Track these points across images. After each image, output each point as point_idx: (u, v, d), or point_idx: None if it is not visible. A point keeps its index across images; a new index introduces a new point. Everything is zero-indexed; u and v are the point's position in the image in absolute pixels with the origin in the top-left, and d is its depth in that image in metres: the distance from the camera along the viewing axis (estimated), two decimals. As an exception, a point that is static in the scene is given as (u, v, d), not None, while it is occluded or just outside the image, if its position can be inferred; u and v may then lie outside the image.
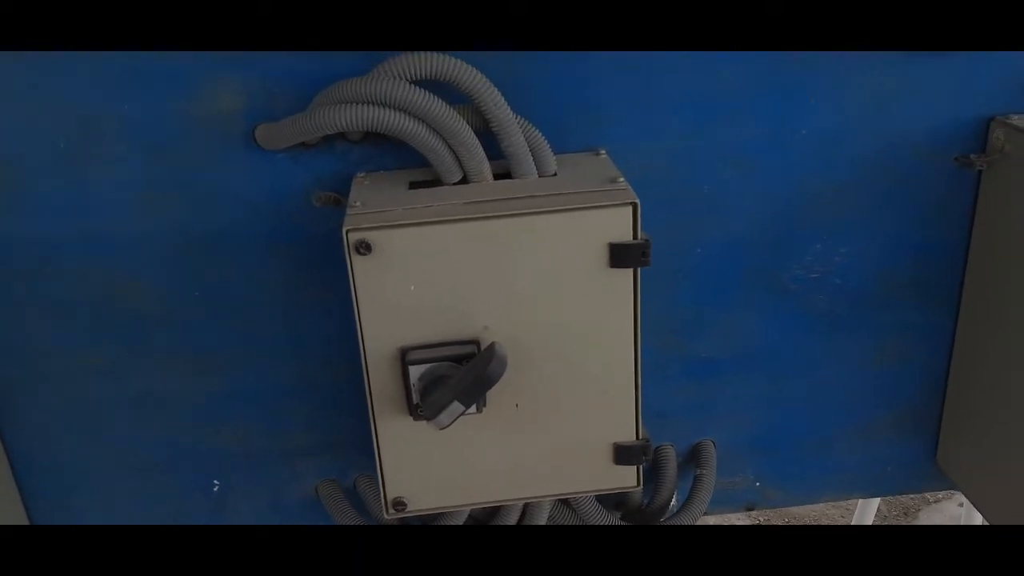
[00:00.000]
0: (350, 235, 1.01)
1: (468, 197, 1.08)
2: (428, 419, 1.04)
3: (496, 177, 1.14)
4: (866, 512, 2.46)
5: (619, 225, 1.05)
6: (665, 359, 1.38)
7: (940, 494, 3.66)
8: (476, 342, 1.08)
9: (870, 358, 1.42)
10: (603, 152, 1.21)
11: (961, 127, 1.26)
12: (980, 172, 1.28)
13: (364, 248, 1.01)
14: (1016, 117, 1.22)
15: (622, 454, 1.16)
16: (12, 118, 1.13)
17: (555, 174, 1.15)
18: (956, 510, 3.37)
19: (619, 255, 1.06)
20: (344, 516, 1.35)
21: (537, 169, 1.13)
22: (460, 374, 1.04)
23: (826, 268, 1.34)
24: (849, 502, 3.36)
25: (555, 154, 1.16)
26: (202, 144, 1.17)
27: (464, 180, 1.13)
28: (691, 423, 1.44)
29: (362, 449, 1.34)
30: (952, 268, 1.36)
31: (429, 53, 1.04)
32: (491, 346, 1.04)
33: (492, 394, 1.09)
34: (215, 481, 1.39)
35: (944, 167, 1.28)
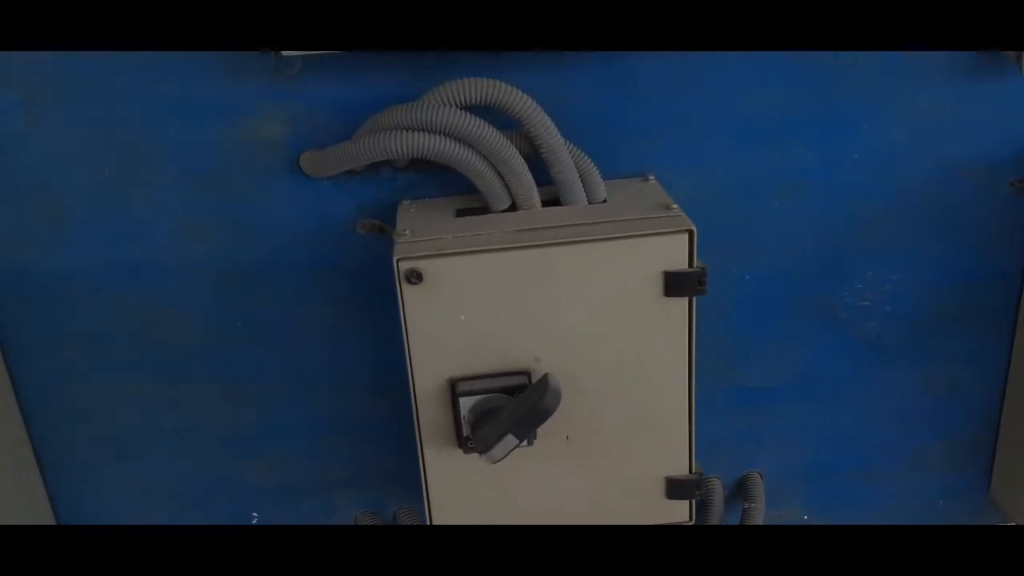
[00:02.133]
0: (401, 264, 0.99)
1: (518, 225, 1.05)
2: (480, 452, 1.01)
3: (544, 204, 1.12)
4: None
5: (675, 253, 1.02)
6: (712, 388, 1.35)
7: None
8: (527, 373, 1.05)
9: (921, 387, 1.38)
10: (652, 178, 1.19)
11: (1017, 151, 1.24)
12: (1036, 197, 1.25)
13: (415, 277, 0.99)
14: (1074, 141, 1.20)
15: (674, 488, 1.12)
16: (56, 146, 1.12)
17: (605, 200, 1.13)
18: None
19: (674, 284, 1.03)
20: (384, 550, 1.31)
21: (587, 195, 1.11)
22: (513, 406, 1.02)
23: (877, 296, 1.31)
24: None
25: (604, 180, 1.14)
26: (246, 172, 1.15)
27: (512, 207, 1.11)
28: (738, 454, 1.40)
29: (402, 482, 1.32)
30: (1007, 295, 1.33)
31: (478, 79, 1.03)
32: (544, 377, 1.01)
33: (543, 426, 1.06)
34: (254, 513, 1.36)
35: (1000, 192, 1.26)
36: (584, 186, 1.11)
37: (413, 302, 1.01)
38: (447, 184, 1.17)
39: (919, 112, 1.20)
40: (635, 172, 1.21)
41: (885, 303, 1.32)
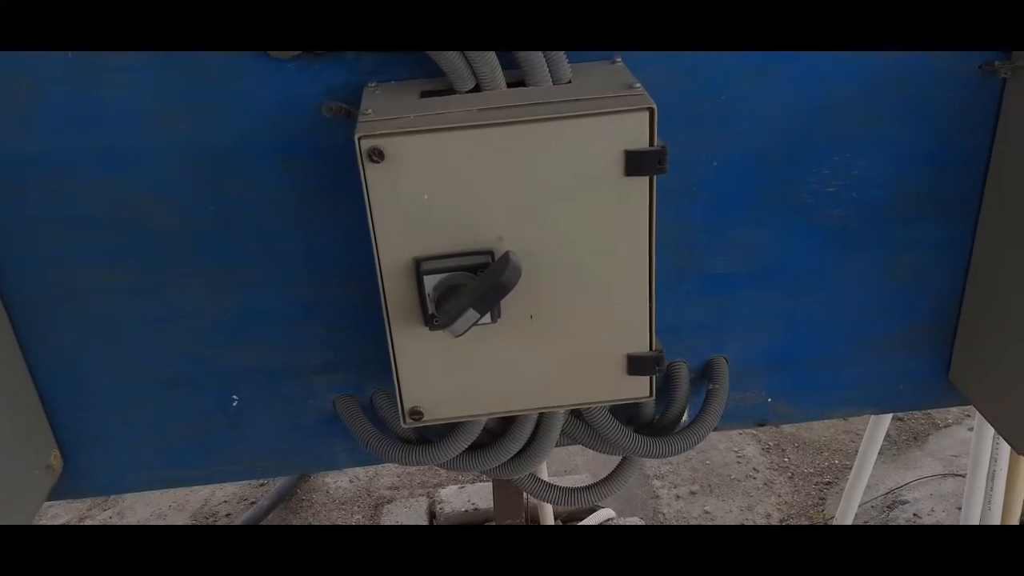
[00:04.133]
0: (362, 142, 1.00)
1: (481, 104, 1.06)
2: (443, 327, 1.05)
3: (510, 85, 1.12)
4: (876, 433, 2.48)
5: (635, 131, 1.03)
6: (679, 274, 1.38)
7: (950, 419, 3.70)
8: (490, 252, 1.08)
9: (885, 274, 1.41)
10: (618, 60, 1.19)
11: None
12: (1004, 80, 1.24)
13: (377, 155, 1.00)
14: (1045, 21, 1.18)
15: (635, 364, 1.16)
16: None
17: (570, 81, 1.13)
18: (966, 434, 3.40)
19: (635, 162, 1.04)
20: (361, 429, 1.37)
21: (551, 76, 1.11)
22: (475, 283, 1.05)
23: (843, 181, 1.33)
24: (860, 424, 3.40)
25: (570, 62, 1.14)
26: (211, 55, 1.15)
27: (477, 88, 1.11)
28: (704, 339, 1.44)
29: (378, 364, 1.36)
30: (971, 181, 1.34)
31: (441, -46, 1.01)
32: (505, 255, 1.04)
33: (506, 304, 1.09)
34: (234, 397, 1.41)
35: (968, 75, 1.25)
36: (549, 67, 1.11)
37: (376, 181, 1.03)
38: (414, 66, 1.17)
39: (889, -8, 1.19)
40: (603, 55, 1.20)
41: (851, 189, 1.33)
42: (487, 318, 1.08)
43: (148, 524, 3.44)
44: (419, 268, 1.07)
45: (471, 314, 1.02)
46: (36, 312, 1.31)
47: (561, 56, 1.12)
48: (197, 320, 1.34)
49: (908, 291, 1.42)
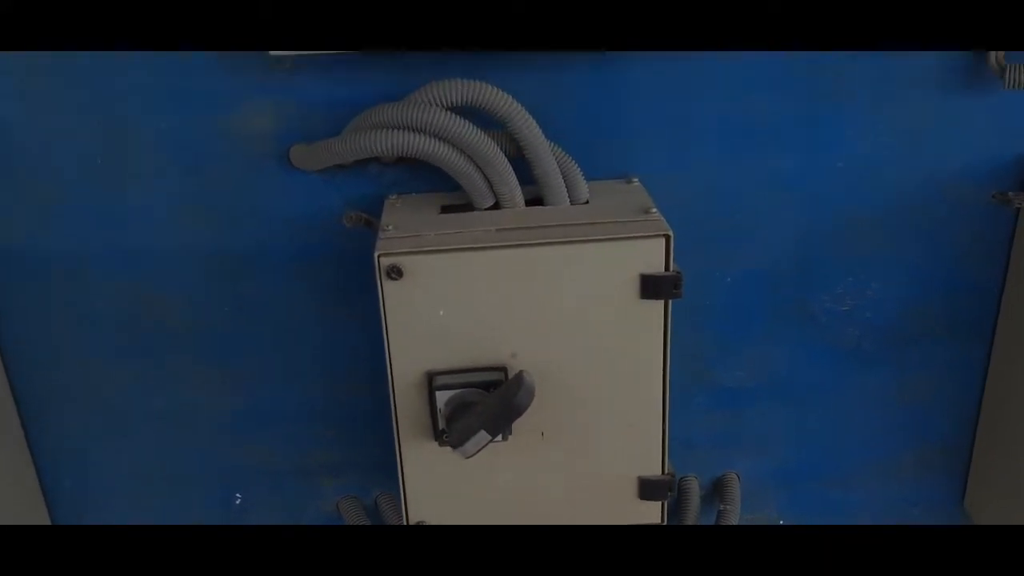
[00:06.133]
0: (382, 260, 1.01)
1: (499, 224, 1.07)
2: (453, 447, 1.03)
3: (528, 202, 1.14)
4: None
5: (651, 256, 1.04)
6: (692, 388, 1.37)
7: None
8: (504, 368, 1.07)
9: (898, 395, 1.40)
10: (635, 180, 1.21)
11: (999, 164, 1.24)
12: (1018, 210, 1.26)
13: (395, 273, 1.01)
14: (1057, 156, 1.20)
15: (647, 489, 1.15)
16: (53, 132, 1.14)
17: (587, 202, 1.14)
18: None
19: (650, 287, 1.05)
20: (364, 536, 1.34)
21: (569, 196, 1.13)
22: (487, 402, 1.04)
23: (857, 301, 1.33)
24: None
25: (588, 181, 1.16)
26: (237, 162, 1.18)
27: (496, 205, 1.13)
28: (716, 454, 1.42)
29: (383, 468, 1.34)
30: (986, 305, 1.34)
31: (464, 81, 1.04)
32: (519, 375, 1.03)
33: (518, 422, 1.08)
34: (237, 495, 1.39)
35: (981, 204, 1.26)
36: (567, 187, 1.13)
37: (393, 297, 1.03)
38: (434, 179, 1.19)
39: (903, 123, 1.21)
40: (620, 173, 1.22)
41: (865, 309, 1.33)
42: (498, 436, 1.06)
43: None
44: (431, 383, 1.07)
45: (482, 436, 1.01)
46: (44, 403, 1.31)
47: (579, 176, 1.13)
48: (205, 417, 1.33)
49: (921, 413, 1.41)
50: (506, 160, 1.09)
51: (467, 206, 1.14)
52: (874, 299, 1.33)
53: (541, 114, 1.11)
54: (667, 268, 1.05)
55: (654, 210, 1.09)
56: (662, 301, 1.06)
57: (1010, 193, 1.24)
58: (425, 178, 1.19)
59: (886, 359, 1.37)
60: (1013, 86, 1.11)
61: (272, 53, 0.95)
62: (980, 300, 1.33)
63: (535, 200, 1.14)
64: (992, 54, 1.13)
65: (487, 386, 1.07)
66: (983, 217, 1.28)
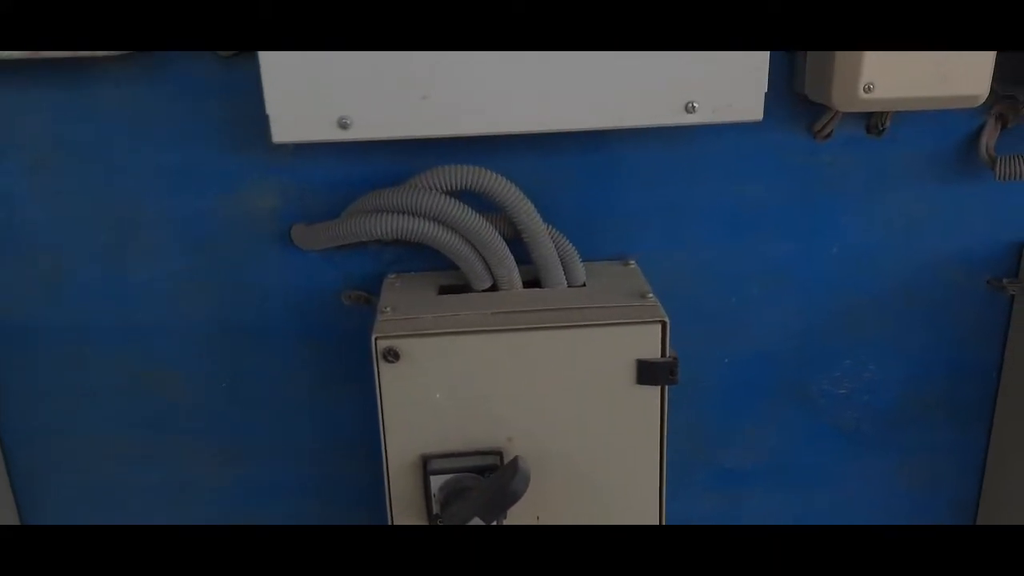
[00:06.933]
0: (379, 343, 1.01)
1: (497, 307, 1.08)
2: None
3: (525, 283, 1.15)
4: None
5: (647, 342, 1.04)
6: (692, 468, 1.36)
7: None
8: (500, 452, 1.07)
9: (897, 478, 1.39)
10: (632, 262, 1.22)
11: (994, 250, 1.26)
12: (1012, 296, 1.26)
13: (392, 356, 1.01)
14: (1050, 244, 1.22)
15: None
16: (57, 210, 1.16)
17: (584, 284, 1.15)
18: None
19: (646, 372, 1.05)
20: (355, 616, 1.32)
21: (566, 278, 1.14)
22: (481, 488, 1.03)
23: (855, 384, 1.33)
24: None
25: (585, 262, 1.17)
26: (239, 241, 1.19)
27: (494, 286, 1.14)
28: (714, 535, 1.40)
29: (377, 547, 1.32)
30: (984, 389, 1.34)
31: (462, 166, 1.06)
32: (514, 460, 1.02)
33: (513, 507, 1.07)
34: (228, 573, 1.37)
35: (977, 289, 1.27)
36: (564, 269, 1.14)
37: (389, 379, 1.03)
38: (433, 258, 1.20)
39: (896, 211, 1.23)
40: (617, 254, 1.24)
41: (863, 392, 1.33)
42: (492, 522, 1.05)
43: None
44: (426, 467, 1.06)
45: (476, 522, 1.00)
46: (38, 476, 1.30)
47: (576, 259, 1.14)
48: (201, 492, 1.32)
49: (922, 496, 1.40)
50: (503, 243, 1.10)
51: (465, 287, 1.15)
52: (872, 382, 1.33)
53: (538, 196, 1.12)
54: (663, 354, 1.05)
55: (651, 295, 1.09)
56: (658, 387, 1.06)
57: (1004, 280, 1.25)
58: (424, 256, 1.20)
59: (886, 442, 1.36)
60: (1004, 178, 1.13)
61: (275, 140, 0.97)
62: (978, 383, 1.33)
63: (533, 281, 1.15)
64: (983, 145, 1.16)
65: (482, 470, 1.06)
66: (979, 302, 1.29)
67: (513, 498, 1.00)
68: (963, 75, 1.01)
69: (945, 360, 1.32)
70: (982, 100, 1.03)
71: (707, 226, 1.23)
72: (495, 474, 1.04)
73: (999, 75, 1.05)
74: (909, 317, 1.29)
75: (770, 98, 1.14)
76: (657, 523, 1.12)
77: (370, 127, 0.95)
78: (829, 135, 1.17)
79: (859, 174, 1.20)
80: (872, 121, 1.17)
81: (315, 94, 0.93)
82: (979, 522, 1.39)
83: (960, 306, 1.29)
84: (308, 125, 0.95)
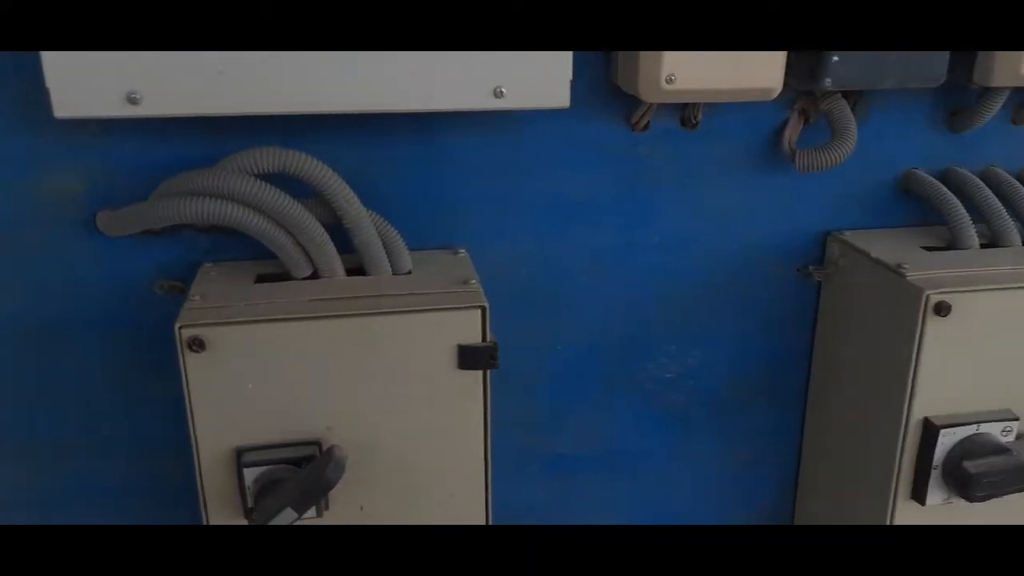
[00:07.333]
0: (183, 331, 0.97)
1: (314, 294, 1.06)
2: (260, 525, 0.99)
3: (351, 271, 1.13)
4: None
5: (468, 328, 1.05)
6: (525, 455, 1.38)
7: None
8: (318, 443, 1.04)
9: (724, 460, 1.45)
10: (462, 251, 1.22)
11: (802, 240, 1.34)
12: (819, 283, 1.35)
13: (197, 345, 0.97)
14: (849, 232, 1.30)
15: (468, 560, 1.13)
16: None
17: (410, 272, 1.14)
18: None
19: (467, 357, 1.05)
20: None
21: (391, 266, 1.13)
22: (295, 479, 1.00)
23: (681, 370, 1.38)
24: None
25: (415, 250, 1.16)
26: (41, 228, 1.11)
27: (315, 274, 1.11)
28: (552, 520, 1.42)
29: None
30: (798, 373, 1.42)
31: (276, 148, 1.04)
32: (329, 450, 1.00)
33: (336, 495, 1.05)
34: None
35: (788, 277, 1.35)
36: (389, 257, 1.13)
37: (196, 370, 0.99)
38: (253, 247, 1.15)
39: (711, 201, 1.28)
40: (449, 243, 1.23)
41: (688, 377, 1.39)
42: (312, 511, 1.03)
43: None
44: (240, 460, 1.02)
45: (288, 513, 0.97)
46: None
47: (401, 246, 1.13)
48: (7, 491, 1.23)
49: (747, 477, 1.46)
50: (322, 229, 1.07)
51: (285, 275, 1.12)
52: (696, 367, 1.38)
53: (364, 183, 1.11)
54: (484, 339, 1.05)
55: (474, 281, 1.10)
56: (480, 372, 1.07)
57: (811, 267, 1.32)
58: (243, 245, 1.16)
59: (711, 426, 1.42)
60: (803, 169, 1.20)
61: (57, 115, 0.91)
62: (792, 368, 1.41)
63: (358, 269, 1.13)
64: (786, 138, 1.23)
65: (300, 461, 1.03)
66: (791, 289, 1.36)
67: (326, 487, 0.98)
68: (758, 70, 1.07)
69: (761, 346, 1.39)
70: (776, 93, 1.09)
71: (535, 216, 1.25)
72: (310, 465, 1.01)
73: (793, 71, 1.12)
74: (727, 305, 1.35)
75: (589, 90, 1.18)
76: (483, 509, 1.13)
77: (162, 103, 0.91)
78: (646, 127, 1.21)
79: (676, 166, 1.25)
80: (686, 114, 1.22)
81: (99, 66, 0.88)
82: (798, 499, 1.47)
83: (773, 293, 1.36)
84: (93, 100, 0.89)
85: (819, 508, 1.42)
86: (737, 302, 1.35)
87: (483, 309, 1.04)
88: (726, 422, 1.42)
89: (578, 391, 1.36)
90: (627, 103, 1.19)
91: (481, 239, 1.24)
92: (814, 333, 1.39)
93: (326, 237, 1.08)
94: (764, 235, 1.32)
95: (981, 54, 1.14)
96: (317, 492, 0.98)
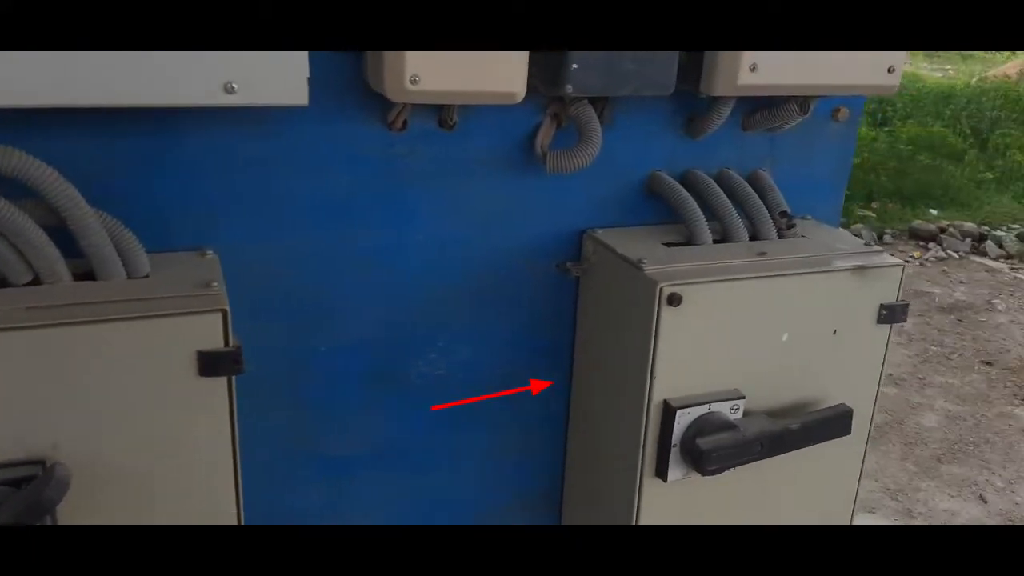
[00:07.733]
0: None
1: (34, 301, 0.98)
2: None
3: (80, 277, 1.05)
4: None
5: (208, 332, 1.01)
6: (296, 460, 1.35)
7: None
8: (42, 462, 0.97)
9: (497, 450, 1.49)
10: (210, 253, 1.17)
11: (563, 239, 1.40)
12: (577, 278, 1.42)
13: None
14: (601, 231, 1.38)
15: None
16: None
17: (147, 276, 1.08)
18: None
19: (209, 363, 1.01)
20: None
21: (126, 269, 1.07)
22: (12, 501, 0.93)
23: (451, 365, 1.40)
24: None
25: (156, 253, 1.10)
26: None
27: (36, 280, 1.03)
28: (329, 523, 1.40)
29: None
30: (561, 365, 1.48)
31: (-17, 145, 0.95)
32: (51, 467, 0.94)
33: (65, 517, 0.98)
34: None
35: (549, 274, 1.41)
36: (124, 260, 1.06)
37: None
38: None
39: (472, 201, 1.31)
40: (199, 245, 1.18)
41: (458, 371, 1.41)
42: (37, 536, 0.95)
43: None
44: (-54, 486, 0.93)
45: (0, 541, 0.90)
46: None
47: (137, 248, 1.07)
48: None
49: (518, 468, 1.52)
50: (40, 232, 1.00)
51: (2, 282, 1.03)
52: (465, 363, 1.41)
53: (95, 183, 1.05)
54: (226, 343, 1.02)
55: (216, 284, 1.06)
56: (224, 378, 1.03)
57: (569, 263, 1.39)
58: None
59: (483, 419, 1.46)
60: (553, 170, 1.26)
61: None
62: (556, 360, 1.48)
63: (88, 275, 1.06)
64: (538, 141, 1.28)
65: (19, 483, 0.95)
66: (553, 285, 1.42)
67: (46, 508, 0.92)
68: (501, 74, 1.10)
69: (526, 339, 1.44)
70: (520, 98, 1.14)
71: (294, 215, 1.22)
72: (30, 485, 0.94)
73: (539, 77, 1.17)
74: (492, 302, 1.39)
75: (346, 89, 1.18)
76: (235, 520, 1.10)
77: None
78: (403, 127, 1.22)
79: (435, 166, 1.27)
80: (442, 115, 1.24)
81: None
82: (565, 484, 1.55)
83: (537, 290, 1.41)
84: None
85: (582, 490, 1.49)
86: (503, 299, 1.40)
87: (224, 312, 1.01)
88: (497, 415, 1.46)
89: (346, 391, 1.35)
90: (384, 103, 1.19)
91: (235, 240, 1.20)
92: (575, 326, 1.46)
93: (45, 239, 1.01)
94: (527, 234, 1.37)
95: (705, 66, 1.24)
96: (36, 514, 0.92)
